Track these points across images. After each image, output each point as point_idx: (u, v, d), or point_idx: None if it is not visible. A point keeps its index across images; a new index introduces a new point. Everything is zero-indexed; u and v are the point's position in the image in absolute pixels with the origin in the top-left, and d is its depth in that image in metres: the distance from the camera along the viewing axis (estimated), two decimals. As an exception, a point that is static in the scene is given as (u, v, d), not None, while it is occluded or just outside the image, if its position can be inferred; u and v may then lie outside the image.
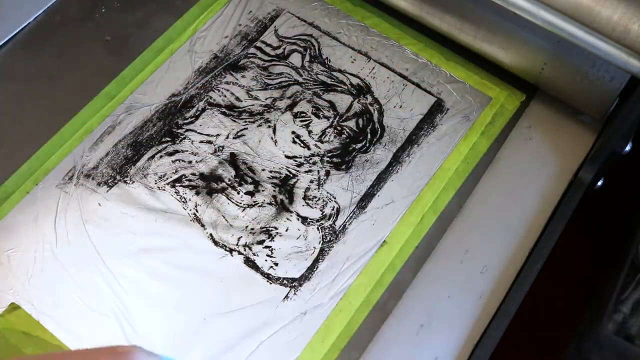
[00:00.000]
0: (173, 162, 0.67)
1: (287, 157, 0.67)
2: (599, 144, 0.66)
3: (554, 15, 0.57)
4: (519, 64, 0.68)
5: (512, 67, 0.69)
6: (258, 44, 0.74)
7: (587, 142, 0.68)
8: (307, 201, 0.65)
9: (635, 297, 0.60)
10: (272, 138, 0.68)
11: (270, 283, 0.61)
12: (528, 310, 0.62)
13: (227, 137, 0.68)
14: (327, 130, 0.69)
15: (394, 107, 0.70)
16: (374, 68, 0.72)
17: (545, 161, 0.67)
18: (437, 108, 0.70)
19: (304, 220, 0.64)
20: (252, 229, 0.64)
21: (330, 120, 0.69)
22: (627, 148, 0.65)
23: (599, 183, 0.69)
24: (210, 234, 0.64)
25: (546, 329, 0.82)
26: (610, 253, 0.71)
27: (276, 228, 0.64)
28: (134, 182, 0.66)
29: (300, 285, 0.61)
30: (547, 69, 0.65)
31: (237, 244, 0.63)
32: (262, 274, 0.62)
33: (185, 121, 0.69)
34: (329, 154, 0.68)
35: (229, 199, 0.65)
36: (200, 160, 0.67)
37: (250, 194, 0.65)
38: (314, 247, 0.63)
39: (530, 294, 0.61)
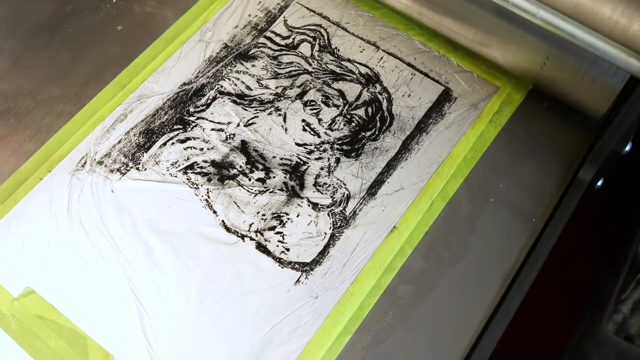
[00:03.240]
0: (185, 149, 0.68)
1: (298, 144, 0.68)
2: (599, 144, 0.65)
3: (554, 15, 0.57)
4: (518, 65, 0.68)
5: (511, 67, 0.69)
6: (268, 33, 0.75)
7: (587, 142, 0.68)
8: (317, 188, 0.66)
9: (635, 297, 0.60)
10: (282, 126, 0.69)
11: (282, 267, 0.62)
12: (528, 310, 0.62)
13: (238, 125, 0.69)
14: (336, 119, 0.70)
15: (403, 95, 0.71)
16: (382, 58, 0.73)
17: (545, 161, 0.67)
18: (445, 97, 0.71)
19: (315, 206, 0.65)
20: (264, 215, 0.65)
21: (340, 108, 0.70)
22: (627, 148, 0.65)
23: (599, 183, 0.69)
24: (222, 221, 0.64)
25: (546, 329, 0.82)
26: (610, 253, 0.72)
27: (287, 214, 0.65)
28: (146, 169, 0.67)
29: (312, 269, 0.62)
30: (546, 70, 0.65)
31: (248, 230, 0.64)
32: (274, 258, 0.63)
33: (197, 109, 0.70)
34: (339, 142, 0.68)
35: (240, 185, 0.66)
36: (212, 148, 0.68)
37: (262, 180, 0.66)
38: (325, 233, 0.64)
39: (530, 294, 0.61)
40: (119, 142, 0.68)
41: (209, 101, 0.71)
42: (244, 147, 0.68)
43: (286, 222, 0.64)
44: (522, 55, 0.66)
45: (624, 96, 0.62)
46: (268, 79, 0.72)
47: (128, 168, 0.67)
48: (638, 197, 0.80)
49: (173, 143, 0.68)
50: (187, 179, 0.66)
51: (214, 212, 0.65)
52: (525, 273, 0.61)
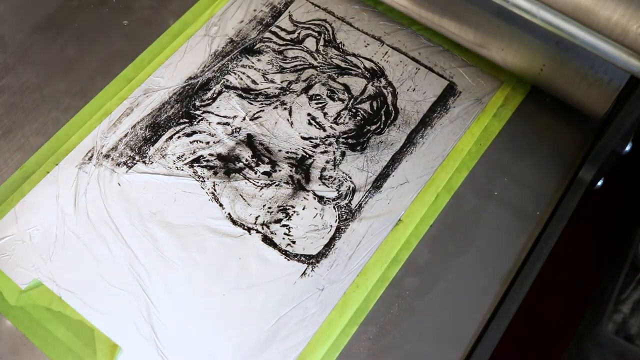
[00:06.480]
0: (191, 142, 0.68)
1: (303, 138, 0.69)
2: (599, 144, 0.65)
3: (554, 15, 0.57)
4: (517, 66, 0.68)
5: (511, 68, 0.69)
6: (273, 28, 0.75)
7: (587, 142, 0.68)
8: (323, 181, 0.66)
9: (635, 297, 0.61)
10: (288, 120, 0.70)
11: (288, 260, 0.63)
12: (528, 310, 0.62)
13: (244, 118, 0.70)
14: (342, 113, 0.70)
15: (408, 90, 0.71)
16: (387, 52, 0.74)
17: (545, 161, 0.68)
18: (450, 91, 0.71)
19: (321, 199, 0.65)
20: (270, 208, 0.65)
21: (345, 102, 0.70)
22: (627, 148, 0.65)
23: (599, 183, 0.69)
24: (229, 214, 0.65)
25: (546, 329, 0.82)
26: (610, 253, 0.72)
27: (293, 207, 0.65)
28: (152, 162, 0.67)
29: (318, 262, 0.62)
30: (546, 70, 0.65)
31: (255, 223, 0.64)
32: (280, 250, 0.63)
33: (203, 103, 0.70)
34: (344, 135, 0.69)
35: (246, 178, 0.66)
36: (218, 141, 0.68)
37: (268, 174, 0.67)
38: (331, 226, 0.64)
39: (530, 294, 0.61)
40: (126, 135, 0.69)
41: (214, 95, 0.71)
42: (249, 141, 0.68)
43: (292, 215, 0.65)
44: (522, 56, 0.66)
45: (624, 96, 0.62)
46: (273, 73, 0.72)
47: (135, 161, 0.67)
48: (638, 197, 0.81)
49: (179, 137, 0.69)
50: (194, 172, 0.67)
51: (220, 205, 0.65)
52: (525, 273, 0.61)
